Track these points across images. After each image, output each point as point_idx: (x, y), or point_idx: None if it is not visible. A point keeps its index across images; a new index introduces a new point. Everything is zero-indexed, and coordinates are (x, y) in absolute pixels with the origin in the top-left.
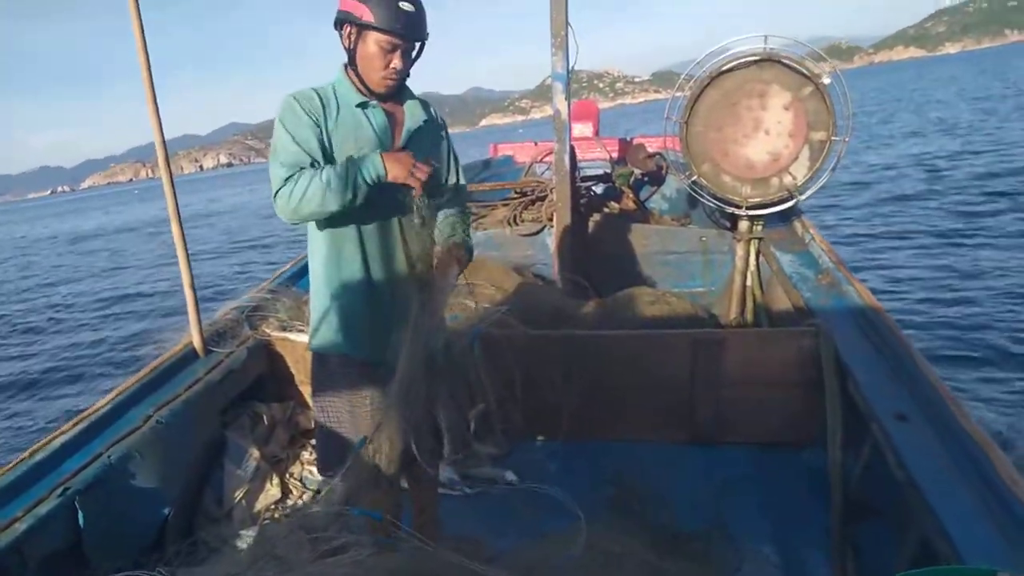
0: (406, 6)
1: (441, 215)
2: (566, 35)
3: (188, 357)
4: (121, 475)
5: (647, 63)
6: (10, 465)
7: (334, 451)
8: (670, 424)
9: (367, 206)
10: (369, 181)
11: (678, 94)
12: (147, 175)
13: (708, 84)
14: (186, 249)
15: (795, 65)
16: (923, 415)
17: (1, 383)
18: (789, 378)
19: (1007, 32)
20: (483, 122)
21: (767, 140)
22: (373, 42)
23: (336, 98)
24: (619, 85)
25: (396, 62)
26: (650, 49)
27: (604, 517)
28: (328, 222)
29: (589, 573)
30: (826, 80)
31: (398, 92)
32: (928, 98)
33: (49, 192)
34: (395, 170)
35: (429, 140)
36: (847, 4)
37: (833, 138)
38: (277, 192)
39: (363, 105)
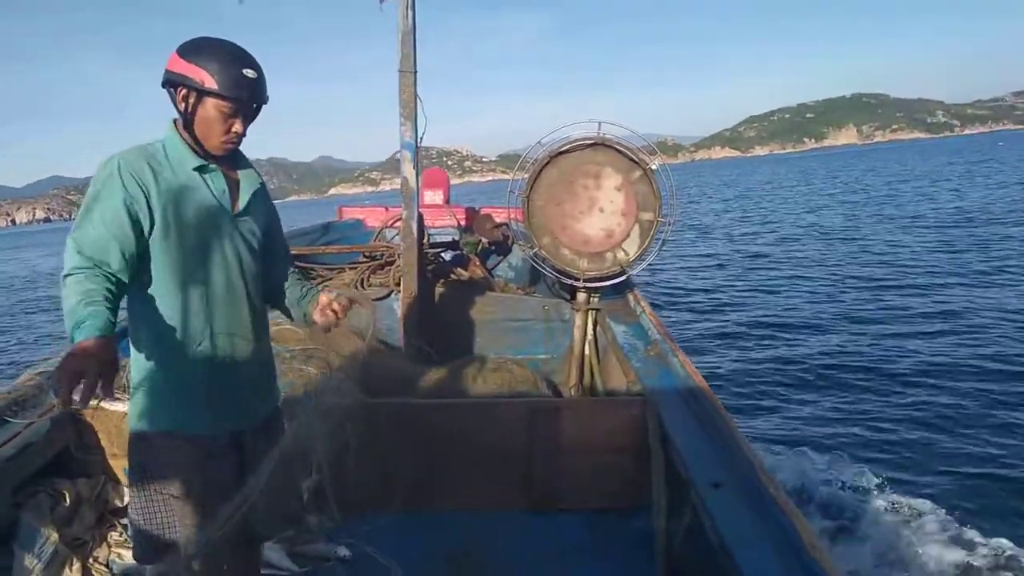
0: (249, 73)
1: (283, 278)
2: (415, 106)
3: None
4: None
5: (494, 145)
6: None
7: (155, 538)
8: (508, 492)
9: (223, 276)
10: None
11: (518, 175)
12: None
13: (548, 163)
14: None
15: (625, 150)
16: (737, 482)
17: None
18: (619, 445)
19: (806, 140)
20: (332, 191)
21: (602, 217)
22: (213, 107)
23: (169, 161)
24: (467, 163)
25: (237, 126)
26: (498, 132)
27: None
28: (168, 287)
29: None
30: (654, 166)
31: (233, 154)
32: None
33: None
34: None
35: (264, 205)
36: (673, 106)
37: (659, 219)
38: (65, 277)
39: (201, 168)
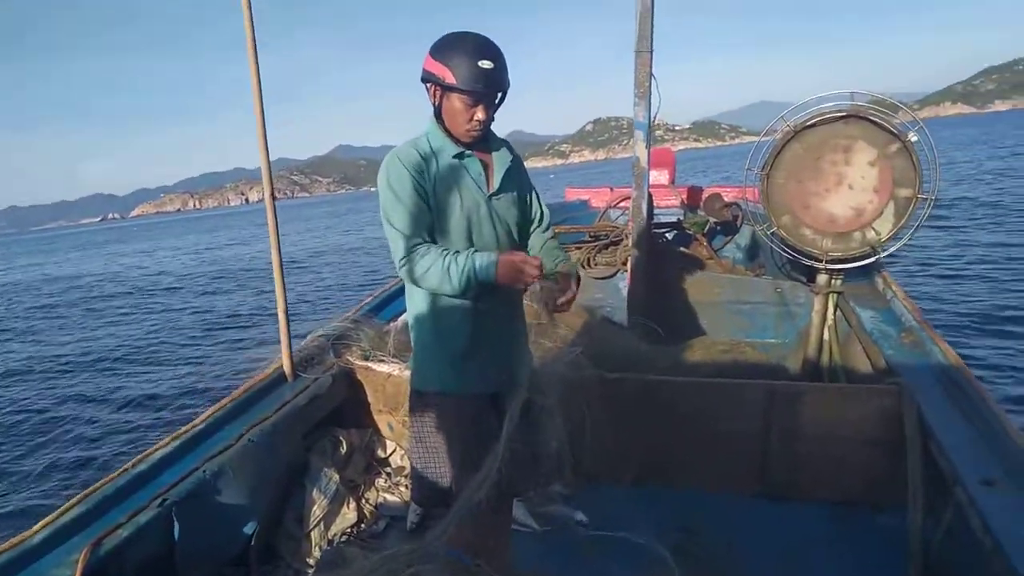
0: (485, 64)
1: (537, 240)
2: (649, 86)
3: (278, 380)
4: (214, 490)
5: (687, 113)
6: (112, 475)
7: (431, 484)
8: (741, 476)
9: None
10: (482, 280)
11: (764, 138)
12: (195, 206)
13: (792, 137)
14: (283, 277)
15: (882, 122)
16: (1011, 480)
17: (99, 399)
18: (868, 436)
19: None
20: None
21: (850, 195)
22: (457, 99)
23: (434, 152)
24: (659, 132)
25: (479, 115)
26: (690, 98)
27: (669, 566)
28: None
29: None
30: (913, 138)
31: (484, 138)
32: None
33: (100, 219)
34: (505, 277)
35: (517, 179)
36: (892, 60)
37: (919, 196)
38: (402, 260)
39: (460, 156)
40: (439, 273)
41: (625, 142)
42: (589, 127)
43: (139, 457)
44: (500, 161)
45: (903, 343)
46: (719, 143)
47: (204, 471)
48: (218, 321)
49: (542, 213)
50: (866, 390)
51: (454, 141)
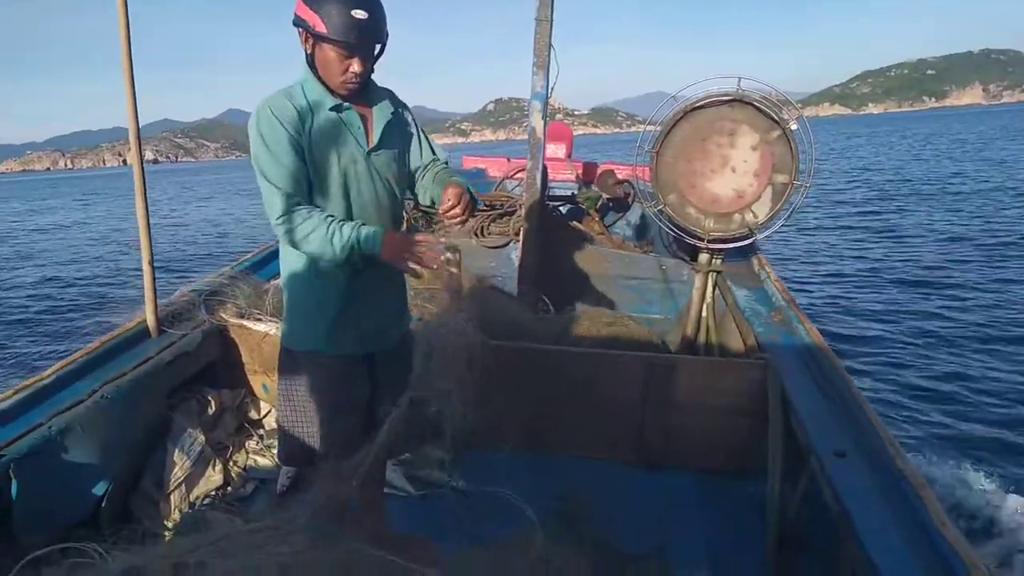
0: (359, 14)
1: (430, 173)
2: (548, 56)
3: (140, 335)
4: (60, 447)
5: (586, 99)
6: None
7: (297, 443)
8: (619, 444)
9: (359, 210)
10: (365, 253)
11: (650, 128)
12: (65, 165)
13: (682, 118)
14: (148, 225)
15: (765, 109)
16: (861, 452)
17: None
18: (736, 408)
19: (925, 99)
20: None
21: (733, 177)
22: (329, 50)
23: (309, 103)
24: (559, 116)
25: (355, 67)
26: (590, 85)
27: (548, 530)
28: None
29: None
30: (793, 126)
31: (364, 89)
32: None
33: None
34: (389, 255)
35: (399, 131)
36: (776, 61)
37: (795, 182)
38: (280, 218)
39: (337, 108)
40: (321, 240)
41: (526, 123)
42: (491, 107)
43: None
44: (380, 114)
45: (772, 321)
46: (617, 130)
47: (50, 427)
48: (77, 279)
49: (433, 152)
50: (735, 364)
51: (331, 92)
